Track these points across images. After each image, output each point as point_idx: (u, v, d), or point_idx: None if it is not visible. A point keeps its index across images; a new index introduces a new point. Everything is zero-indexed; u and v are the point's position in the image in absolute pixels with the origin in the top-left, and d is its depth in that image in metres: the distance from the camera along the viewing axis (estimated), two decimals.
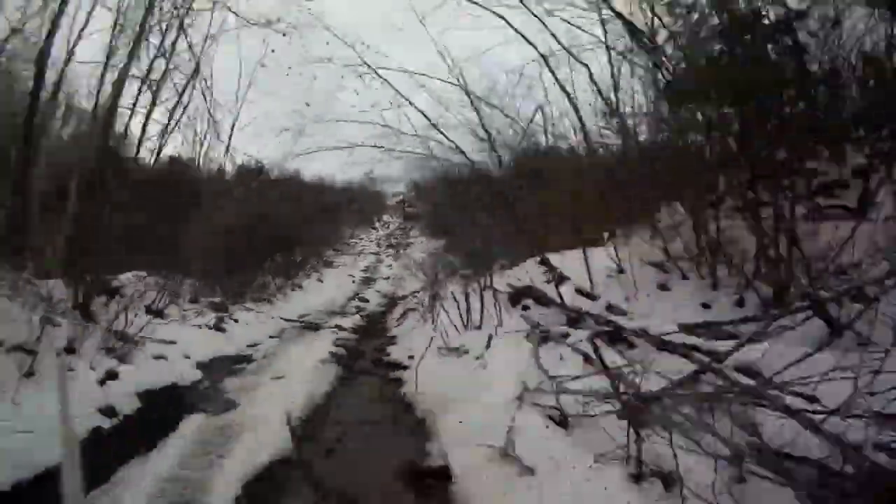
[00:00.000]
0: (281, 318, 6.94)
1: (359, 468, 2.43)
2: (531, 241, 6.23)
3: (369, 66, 7.54)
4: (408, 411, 3.22)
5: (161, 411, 3.15)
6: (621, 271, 4.28)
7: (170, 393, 3.58)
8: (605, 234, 4.94)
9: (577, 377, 2.51)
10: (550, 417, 2.27)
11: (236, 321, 6.44)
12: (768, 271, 3.32)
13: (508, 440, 2.09)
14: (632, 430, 1.75)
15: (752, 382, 1.99)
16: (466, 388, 2.99)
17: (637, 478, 1.73)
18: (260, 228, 8.87)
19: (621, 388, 2.04)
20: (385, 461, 2.42)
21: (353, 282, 11.90)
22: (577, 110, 6.64)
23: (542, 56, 6.74)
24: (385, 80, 7.58)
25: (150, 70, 6.57)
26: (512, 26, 6.84)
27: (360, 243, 19.03)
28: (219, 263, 7.68)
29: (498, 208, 7.50)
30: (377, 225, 23.51)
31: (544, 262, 5.17)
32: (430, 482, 2.20)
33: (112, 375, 3.29)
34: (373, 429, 2.94)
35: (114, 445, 2.57)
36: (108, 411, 2.86)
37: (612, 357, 2.63)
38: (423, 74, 7.62)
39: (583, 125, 6.67)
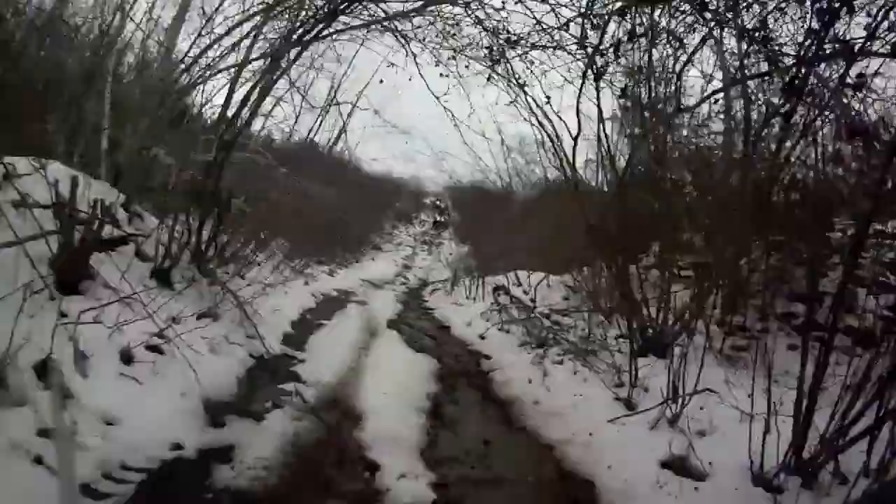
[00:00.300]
0: (359, 278, 11.23)
1: (420, 326, 6.63)
2: (520, 258, 10.23)
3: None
4: (436, 321, 7.38)
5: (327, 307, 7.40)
6: (548, 286, 8.28)
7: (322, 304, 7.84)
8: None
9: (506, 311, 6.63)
10: (499, 327, 6.34)
11: (332, 276, 10.71)
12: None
13: (481, 336, 6.19)
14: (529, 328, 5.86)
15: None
16: (461, 315, 7.14)
17: (524, 344, 5.78)
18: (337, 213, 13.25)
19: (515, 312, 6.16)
20: (429, 328, 6.62)
21: (396, 265, 16.19)
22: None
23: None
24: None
25: None
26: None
27: (400, 236, 23.35)
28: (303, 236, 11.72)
29: (508, 229, 11.62)
30: (414, 222, 27.79)
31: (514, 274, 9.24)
32: (445, 329, 6.41)
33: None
34: (421, 323, 7.11)
35: (309, 323, 6.69)
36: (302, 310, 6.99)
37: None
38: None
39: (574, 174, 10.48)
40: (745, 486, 2.25)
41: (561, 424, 3.19)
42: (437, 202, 27.31)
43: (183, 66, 5.89)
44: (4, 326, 2.07)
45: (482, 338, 5.73)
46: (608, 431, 2.97)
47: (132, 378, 2.67)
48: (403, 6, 5.64)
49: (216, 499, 2.04)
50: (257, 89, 5.57)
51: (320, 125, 16.94)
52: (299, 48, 5.68)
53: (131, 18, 5.95)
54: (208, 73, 5.86)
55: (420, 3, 5.53)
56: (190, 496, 2.04)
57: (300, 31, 5.46)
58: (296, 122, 13.74)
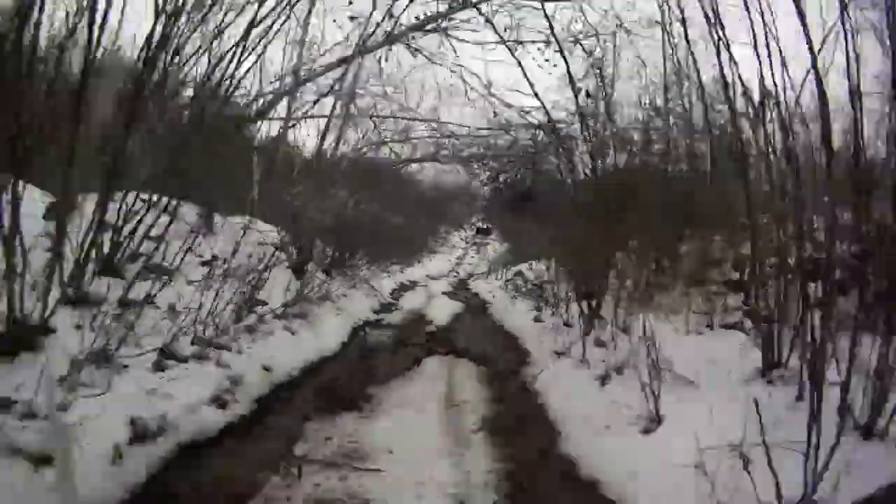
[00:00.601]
0: (423, 273, 15.98)
1: (461, 294, 11.20)
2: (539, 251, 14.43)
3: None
4: (471, 292, 11.89)
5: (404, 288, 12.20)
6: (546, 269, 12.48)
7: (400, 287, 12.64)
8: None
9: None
10: (504, 291, 10.70)
11: (402, 272, 15.55)
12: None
13: (493, 295, 10.61)
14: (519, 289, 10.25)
15: None
16: (487, 288, 11.60)
17: (514, 298, 10.16)
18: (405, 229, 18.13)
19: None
20: (466, 295, 11.18)
21: (450, 263, 20.89)
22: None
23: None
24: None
25: None
26: None
27: (453, 240, 28.05)
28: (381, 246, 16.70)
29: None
30: (465, 226, 32.37)
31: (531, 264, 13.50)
32: (476, 294, 10.96)
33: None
34: (462, 293, 11.65)
35: (397, 293, 11.56)
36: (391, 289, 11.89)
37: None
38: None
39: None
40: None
41: (511, 320, 7.57)
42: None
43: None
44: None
45: (493, 296, 10.16)
46: (531, 325, 7.29)
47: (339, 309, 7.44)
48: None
49: (384, 324, 6.75)
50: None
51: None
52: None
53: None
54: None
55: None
56: (377, 324, 6.76)
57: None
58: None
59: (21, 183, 2.44)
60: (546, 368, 4.28)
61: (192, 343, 3.44)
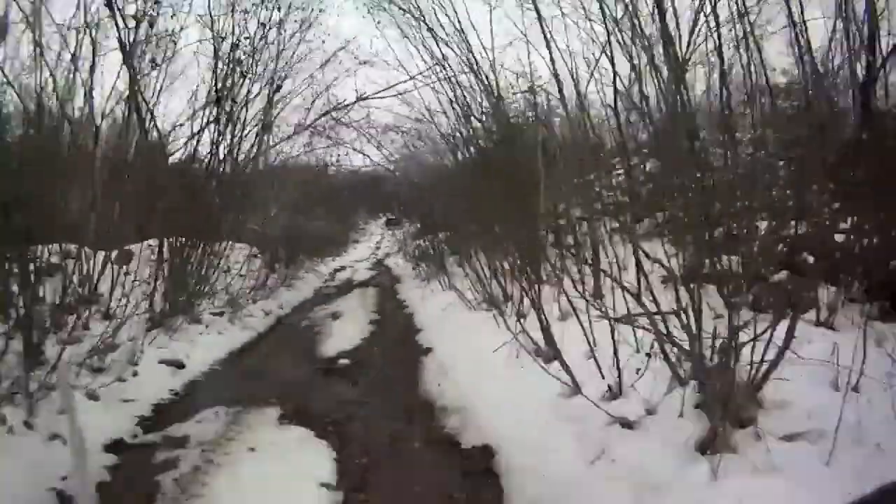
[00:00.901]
0: (349, 259, 21.20)
1: (378, 268, 16.77)
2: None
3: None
4: (384, 266, 17.48)
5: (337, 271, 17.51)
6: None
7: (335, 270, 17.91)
8: None
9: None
10: (406, 261, 16.37)
11: (333, 260, 20.68)
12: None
13: (396, 264, 16.27)
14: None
15: None
16: (394, 260, 17.26)
17: (398, 251, 15.88)
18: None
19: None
20: (381, 269, 16.77)
21: (370, 249, 26.22)
22: None
23: None
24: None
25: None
26: None
27: (370, 229, 33.19)
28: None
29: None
30: (380, 216, 37.54)
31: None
32: (386, 266, 16.63)
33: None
34: (378, 267, 17.20)
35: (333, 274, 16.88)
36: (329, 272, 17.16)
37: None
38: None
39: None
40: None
41: (400, 271, 13.27)
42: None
43: None
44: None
45: (396, 264, 15.84)
46: (410, 272, 13.05)
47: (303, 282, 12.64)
48: None
49: (330, 286, 12.15)
50: None
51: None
52: None
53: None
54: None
55: None
56: (326, 287, 12.14)
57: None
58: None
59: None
60: (407, 287, 10.05)
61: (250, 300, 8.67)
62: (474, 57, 7.04)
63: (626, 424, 2.33)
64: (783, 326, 2.02)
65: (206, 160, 7.26)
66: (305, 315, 8.28)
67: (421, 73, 8.24)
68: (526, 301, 4.43)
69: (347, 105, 10.43)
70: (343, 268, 18.20)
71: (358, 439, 3.12)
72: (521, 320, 3.89)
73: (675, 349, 2.37)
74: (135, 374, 4.11)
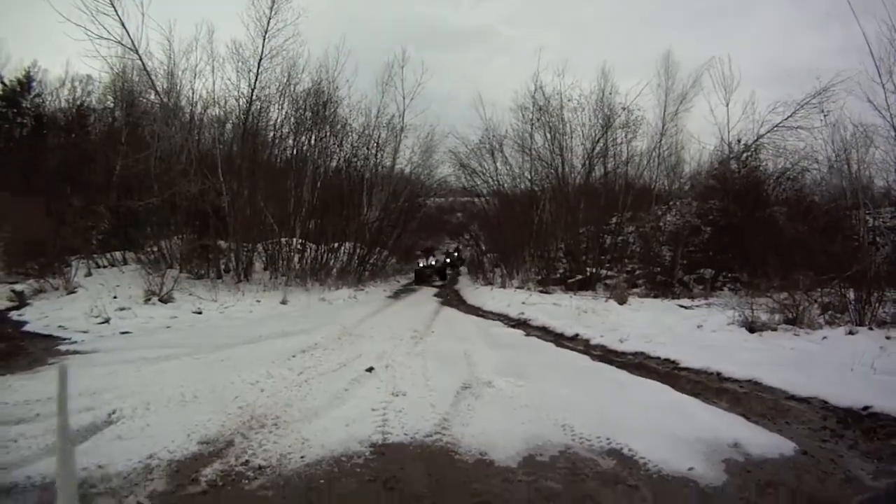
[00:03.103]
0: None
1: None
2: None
3: None
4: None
5: None
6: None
7: None
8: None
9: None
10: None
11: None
12: None
13: None
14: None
15: None
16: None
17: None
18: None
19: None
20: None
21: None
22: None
23: None
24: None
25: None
26: None
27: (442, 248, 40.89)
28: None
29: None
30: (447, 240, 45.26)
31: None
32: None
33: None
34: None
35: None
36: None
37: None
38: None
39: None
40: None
41: (462, 283, 20.37)
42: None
43: None
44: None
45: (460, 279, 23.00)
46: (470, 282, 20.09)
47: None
48: None
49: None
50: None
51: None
52: None
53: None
54: None
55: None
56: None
57: None
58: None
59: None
60: (460, 284, 17.14)
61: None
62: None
63: (562, 337, 9.28)
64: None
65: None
66: (408, 293, 15.64)
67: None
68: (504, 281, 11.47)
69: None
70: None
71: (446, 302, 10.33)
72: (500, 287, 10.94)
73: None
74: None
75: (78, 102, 18.95)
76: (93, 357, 5.42)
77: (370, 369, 4.53)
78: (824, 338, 6.74)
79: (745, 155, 13.30)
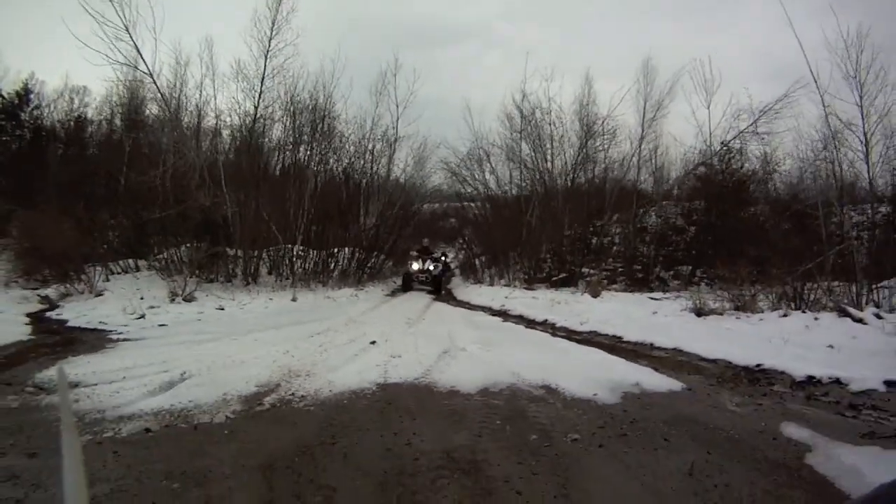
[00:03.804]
0: None
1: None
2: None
3: None
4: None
5: None
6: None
7: None
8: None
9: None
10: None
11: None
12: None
13: None
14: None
15: None
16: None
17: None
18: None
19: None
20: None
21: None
22: None
23: None
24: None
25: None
26: None
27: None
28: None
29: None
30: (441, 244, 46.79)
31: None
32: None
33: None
34: None
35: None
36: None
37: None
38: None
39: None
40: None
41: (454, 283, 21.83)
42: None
43: None
44: None
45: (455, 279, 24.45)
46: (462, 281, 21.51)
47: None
48: None
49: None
50: None
51: None
52: None
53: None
54: None
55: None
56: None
57: None
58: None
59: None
60: (453, 284, 18.57)
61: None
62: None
63: (533, 322, 10.72)
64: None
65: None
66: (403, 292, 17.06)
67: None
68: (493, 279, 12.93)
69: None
70: None
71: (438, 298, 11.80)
72: (488, 286, 12.41)
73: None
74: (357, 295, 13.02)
75: (76, 114, 20.28)
76: (144, 342, 6.78)
77: (373, 342, 5.99)
78: (760, 320, 8.15)
79: (727, 157, 14.63)
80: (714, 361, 5.83)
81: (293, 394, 4.15)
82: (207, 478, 2.74)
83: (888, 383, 4.74)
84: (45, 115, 19.97)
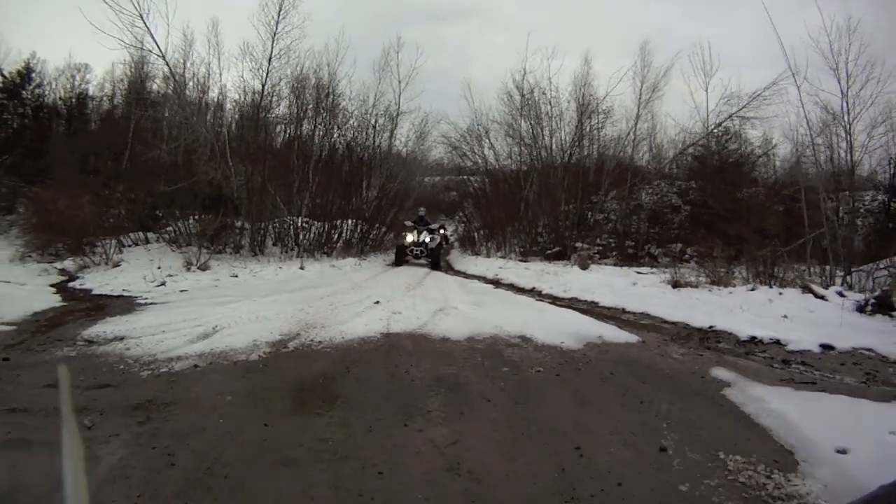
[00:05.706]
0: None
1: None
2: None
3: None
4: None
5: None
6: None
7: None
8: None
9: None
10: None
11: None
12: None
13: None
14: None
15: None
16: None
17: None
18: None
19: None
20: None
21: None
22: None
23: None
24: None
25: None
26: None
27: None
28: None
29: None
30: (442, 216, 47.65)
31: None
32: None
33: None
34: None
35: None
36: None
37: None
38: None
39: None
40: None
41: (453, 255, 22.84)
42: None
43: None
44: None
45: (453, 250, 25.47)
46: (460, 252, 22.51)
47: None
48: None
49: None
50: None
51: None
52: None
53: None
54: None
55: None
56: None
57: None
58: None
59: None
60: (452, 257, 19.54)
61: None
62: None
63: (522, 289, 11.71)
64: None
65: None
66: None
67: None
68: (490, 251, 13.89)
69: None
70: None
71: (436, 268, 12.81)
72: (484, 257, 13.36)
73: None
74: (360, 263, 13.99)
75: (77, 91, 20.90)
76: (170, 305, 7.74)
77: (377, 302, 7.00)
78: (730, 293, 9.07)
79: (724, 138, 15.37)
80: (674, 324, 6.78)
81: (312, 340, 5.14)
82: (252, 393, 3.72)
83: (824, 346, 5.49)
84: (46, 93, 20.58)
